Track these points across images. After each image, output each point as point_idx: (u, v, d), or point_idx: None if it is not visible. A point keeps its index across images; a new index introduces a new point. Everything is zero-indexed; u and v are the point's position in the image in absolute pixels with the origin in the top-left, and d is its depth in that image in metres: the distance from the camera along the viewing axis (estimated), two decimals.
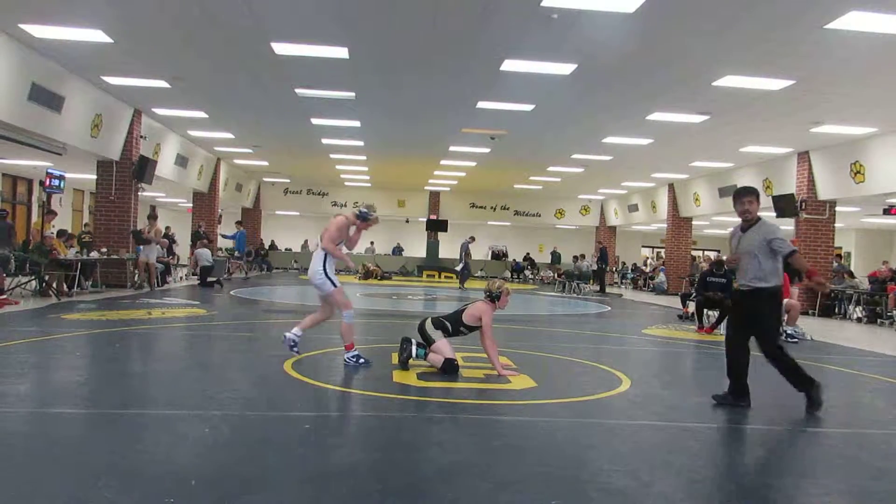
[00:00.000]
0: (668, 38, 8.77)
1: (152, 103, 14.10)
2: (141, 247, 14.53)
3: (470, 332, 6.37)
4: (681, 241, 23.44)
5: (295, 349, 6.46)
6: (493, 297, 6.36)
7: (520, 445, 4.16)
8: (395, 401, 5.21)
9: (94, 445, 3.81)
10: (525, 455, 3.94)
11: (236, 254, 22.73)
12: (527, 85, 11.12)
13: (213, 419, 4.34)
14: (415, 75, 11.16)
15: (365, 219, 6.43)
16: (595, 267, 22.64)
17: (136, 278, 14.30)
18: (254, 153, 20.66)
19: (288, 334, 6.47)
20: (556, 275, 26.46)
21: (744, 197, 5.49)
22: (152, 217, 15.27)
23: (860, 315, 14.79)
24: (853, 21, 7.61)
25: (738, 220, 5.64)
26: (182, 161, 18.59)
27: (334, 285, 6.32)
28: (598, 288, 22.13)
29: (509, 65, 10.02)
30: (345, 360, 6.34)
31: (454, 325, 6.31)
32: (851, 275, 16.88)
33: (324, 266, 6.28)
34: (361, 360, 6.31)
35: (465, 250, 21.27)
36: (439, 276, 27.20)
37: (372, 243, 32.64)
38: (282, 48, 9.71)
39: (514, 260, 32.05)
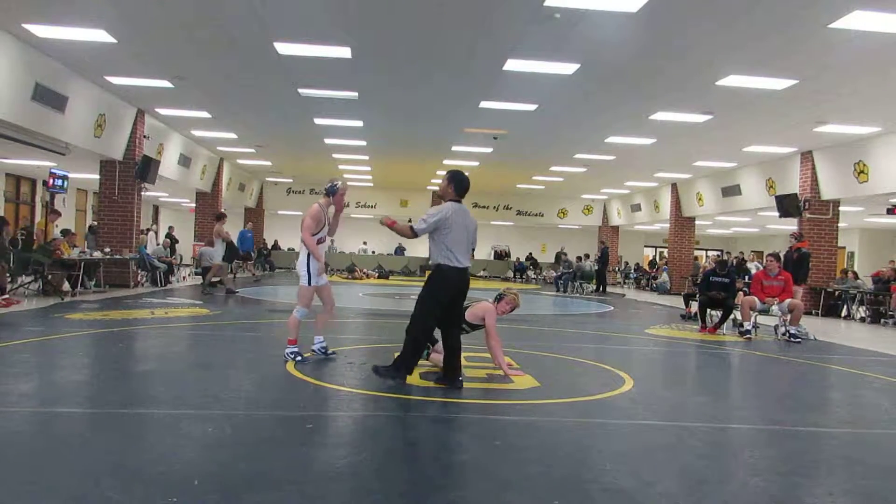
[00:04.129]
0: (671, 37, 8.76)
1: (155, 103, 14.12)
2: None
3: (472, 330, 6.39)
4: (684, 240, 23.42)
5: (332, 353, 6.53)
6: (497, 298, 6.43)
7: (522, 445, 4.16)
8: (397, 400, 5.21)
9: (96, 445, 3.82)
10: (527, 455, 3.94)
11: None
12: (530, 85, 11.12)
13: (216, 418, 4.34)
14: (417, 75, 11.16)
15: (333, 192, 6.41)
16: (596, 266, 22.64)
17: (212, 278, 14.67)
18: (257, 153, 20.69)
19: (314, 346, 6.57)
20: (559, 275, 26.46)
21: (443, 178, 5.76)
22: (221, 217, 15.28)
23: (864, 315, 14.76)
24: (857, 20, 7.59)
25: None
26: (185, 161, 18.62)
27: (308, 282, 6.37)
28: (599, 288, 22.12)
29: (512, 64, 10.01)
30: (284, 355, 6.36)
31: None
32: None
33: (308, 259, 6.33)
34: (299, 358, 6.32)
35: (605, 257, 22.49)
36: None
37: (365, 243, 32.70)
38: (285, 48, 9.71)
39: (517, 259, 32.03)
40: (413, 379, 5.85)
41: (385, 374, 5.55)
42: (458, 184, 5.68)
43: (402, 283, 23.16)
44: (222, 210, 15.67)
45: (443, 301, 5.59)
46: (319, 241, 6.39)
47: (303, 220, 6.35)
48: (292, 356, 6.32)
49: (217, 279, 16.90)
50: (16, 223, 20.47)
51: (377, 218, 36.30)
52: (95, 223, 14.31)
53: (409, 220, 5.73)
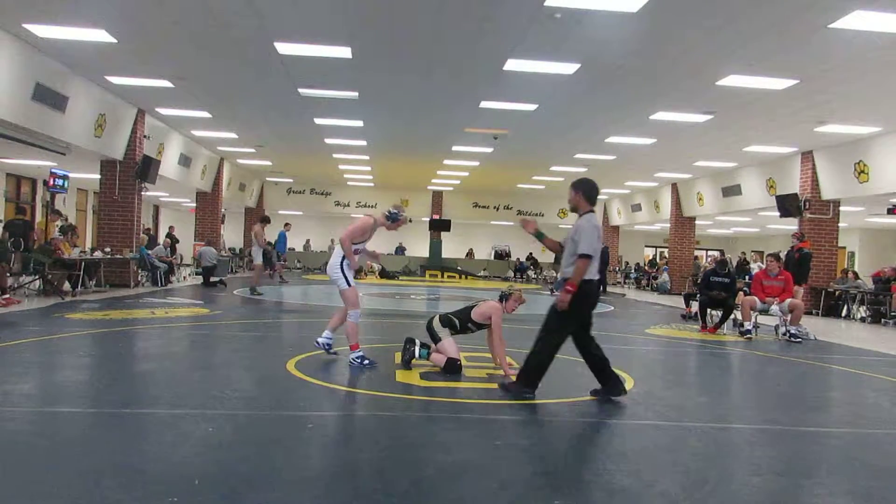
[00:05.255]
0: (672, 37, 8.76)
1: (156, 103, 14.12)
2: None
3: (478, 329, 6.39)
4: (684, 240, 23.44)
5: (332, 352, 6.63)
6: (502, 297, 6.40)
7: (522, 445, 4.16)
8: (398, 400, 5.21)
9: (97, 444, 3.82)
10: (528, 454, 3.94)
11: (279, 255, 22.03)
12: (530, 85, 11.12)
13: (217, 418, 4.35)
14: (418, 75, 11.16)
15: (395, 219, 6.43)
16: None
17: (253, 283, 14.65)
18: (257, 153, 20.69)
19: (320, 339, 6.63)
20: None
21: (570, 188, 5.53)
22: (265, 221, 15.30)
23: (864, 315, 14.76)
24: (857, 20, 7.59)
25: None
26: (185, 161, 18.63)
27: (348, 283, 6.35)
28: (599, 288, 22.15)
29: (512, 64, 10.02)
30: (349, 361, 6.35)
31: (462, 322, 6.32)
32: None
33: (341, 262, 6.31)
34: (366, 362, 6.31)
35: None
36: (442, 276, 27.21)
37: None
38: (285, 48, 9.71)
39: (518, 259, 32.04)
40: (413, 378, 5.86)
41: (516, 392, 5.36)
42: (587, 192, 5.41)
43: (404, 284, 23.14)
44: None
45: (581, 315, 5.43)
46: (356, 252, 6.40)
47: (351, 226, 6.32)
48: (358, 361, 6.29)
49: (217, 279, 16.94)
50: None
51: None
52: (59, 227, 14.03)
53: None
